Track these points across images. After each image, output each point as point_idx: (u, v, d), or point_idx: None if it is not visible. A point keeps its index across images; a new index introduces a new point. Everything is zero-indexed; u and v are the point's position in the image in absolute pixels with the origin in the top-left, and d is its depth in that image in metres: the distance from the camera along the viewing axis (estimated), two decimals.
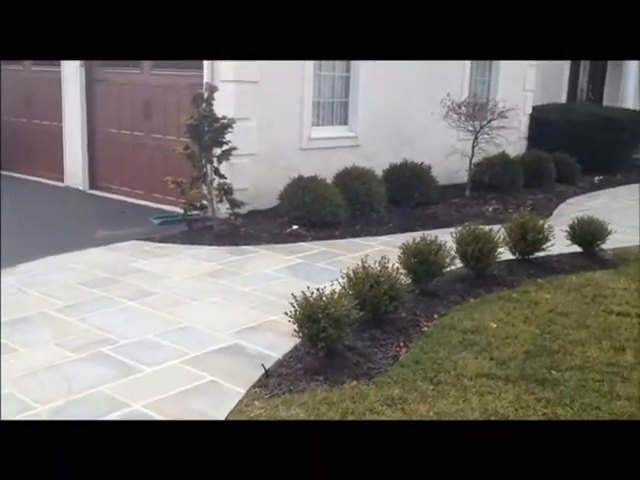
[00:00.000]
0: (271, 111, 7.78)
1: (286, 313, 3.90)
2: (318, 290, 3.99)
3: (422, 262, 5.15)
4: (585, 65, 15.73)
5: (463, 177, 9.64)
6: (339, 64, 8.73)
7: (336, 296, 4.00)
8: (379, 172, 8.56)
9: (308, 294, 3.95)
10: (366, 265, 4.57)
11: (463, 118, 9.18)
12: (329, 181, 7.87)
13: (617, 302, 5.12)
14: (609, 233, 6.32)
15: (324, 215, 7.23)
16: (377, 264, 4.61)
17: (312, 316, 3.84)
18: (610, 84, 15.98)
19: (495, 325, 4.62)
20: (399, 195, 8.52)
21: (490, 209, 8.68)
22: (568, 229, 6.44)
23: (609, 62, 15.98)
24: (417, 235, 5.44)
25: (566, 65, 14.74)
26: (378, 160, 8.81)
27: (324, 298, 3.95)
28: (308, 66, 8.11)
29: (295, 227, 7.15)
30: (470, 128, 9.25)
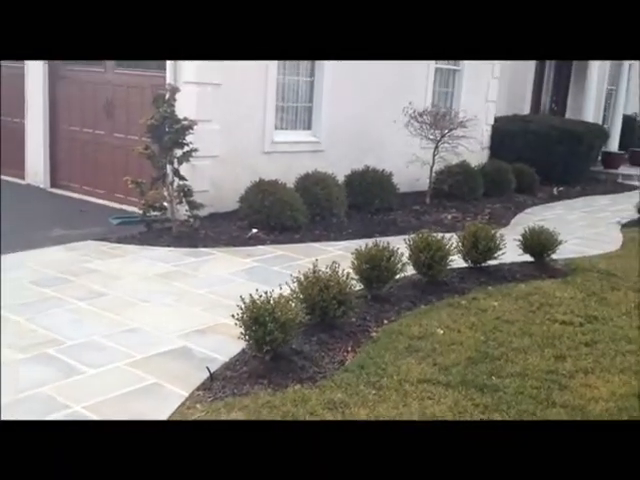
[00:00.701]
0: (234, 114, 7.81)
1: (233, 316, 3.93)
2: (266, 293, 4.03)
3: (374, 268, 5.23)
4: (549, 78, 16.06)
5: (424, 185, 9.78)
6: (303, 69, 8.80)
7: (283, 300, 4.05)
8: (341, 178, 8.65)
9: (256, 297, 4.00)
10: (317, 270, 4.63)
11: (425, 127, 9.31)
12: (291, 185, 7.93)
13: (562, 311, 5.26)
14: (559, 243, 6.49)
15: (284, 219, 7.28)
16: (328, 269, 4.67)
17: (259, 319, 3.88)
18: (573, 97, 16.35)
19: (442, 331, 4.71)
20: (360, 201, 8.61)
21: (449, 217, 8.82)
22: (520, 239, 6.59)
23: (572, 75, 16.35)
24: (376, 241, 5.51)
25: (530, 78, 15.03)
26: (340, 166, 8.90)
27: (271, 301, 4.00)
28: (272, 70, 8.16)
29: (255, 230, 7.18)
30: (431, 137, 9.39)
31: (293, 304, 4.15)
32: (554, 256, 6.66)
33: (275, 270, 6.02)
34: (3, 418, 3.27)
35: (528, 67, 14.88)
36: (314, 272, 4.64)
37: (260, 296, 4.03)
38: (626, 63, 15.98)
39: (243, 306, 3.97)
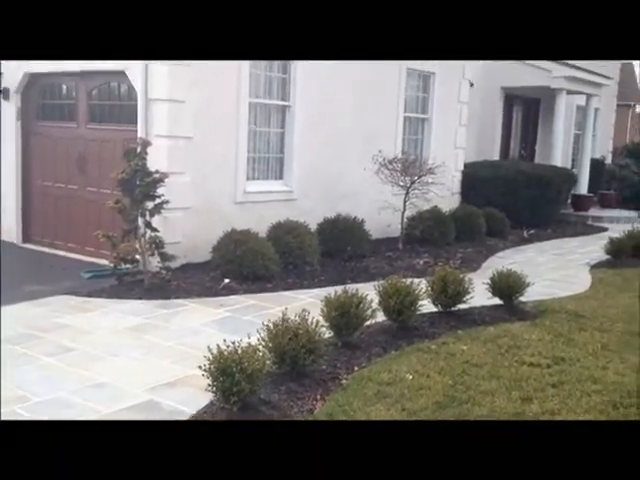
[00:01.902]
0: (206, 165, 7.93)
1: (200, 367, 3.93)
2: (233, 343, 4.05)
3: (343, 315, 5.27)
4: (517, 124, 16.51)
5: (396, 231, 9.91)
6: (274, 120, 8.99)
7: (251, 349, 4.07)
8: (314, 226, 8.75)
9: (223, 347, 4.01)
10: (286, 318, 4.66)
11: (395, 174, 9.50)
12: (263, 234, 8.00)
13: (530, 353, 5.32)
14: (527, 285, 6.59)
15: (256, 268, 7.32)
16: (297, 317, 4.70)
17: (226, 370, 3.89)
18: (541, 142, 16.79)
19: (411, 376, 4.74)
20: (332, 248, 8.70)
21: (421, 262, 8.92)
22: (489, 282, 6.68)
23: (540, 120, 16.83)
24: (348, 288, 5.56)
25: (498, 124, 15.43)
26: (313, 214, 9.02)
27: (239, 351, 4.02)
28: (243, 121, 8.33)
29: (227, 280, 7.21)
30: (402, 184, 9.57)
31: (261, 353, 4.17)
32: (523, 298, 6.76)
33: (247, 320, 6.03)
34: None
35: (496, 114, 15.31)
36: (283, 321, 4.67)
37: (228, 346, 4.05)
38: (592, 108, 16.49)
39: (210, 357, 3.98)
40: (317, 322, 4.80)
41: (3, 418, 3.47)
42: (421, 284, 6.07)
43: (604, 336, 5.88)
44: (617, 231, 10.80)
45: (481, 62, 14.15)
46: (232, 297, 6.81)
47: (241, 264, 7.28)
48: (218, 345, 4.00)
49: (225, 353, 3.98)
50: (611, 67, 19.20)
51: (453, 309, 6.34)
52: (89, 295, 6.57)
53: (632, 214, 15.79)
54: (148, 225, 7.00)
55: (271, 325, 4.63)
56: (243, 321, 6.00)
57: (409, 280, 6.09)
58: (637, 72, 34.69)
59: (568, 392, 4.53)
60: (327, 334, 5.16)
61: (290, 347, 4.49)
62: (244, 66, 8.20)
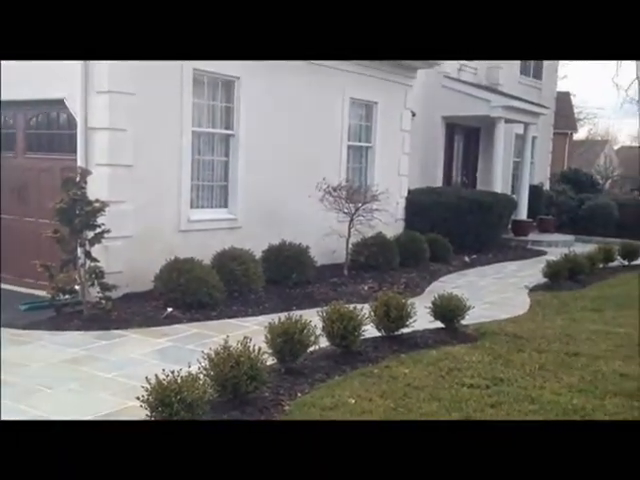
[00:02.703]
0: (148, 194, 7.86)
1: (138, 398, 3.86)
2: (173, 373, 4.00)
3: (287, 341, 5.28)
4: (459, 151, 16.96)
5: (341, 257, 10.00)
6: (217, 149, 9.01)
7: (191, 378, 4.03)
8: (259, 253, 8.75)
9: (163, 377, 3.96)
10: (228, 346, 4.63)
11: (339, 201, 9.61)
12: (208, 262, 7.95)
13: (470, 374, 5.41)
14: (468, 308, 6.74)
15: (200, 296, 7.26)
16: (240, 344, 4.68)
17: (164, 400, 3.84)
18: (482, 169, 17.27)
19: (353, 401, 4.76)
20: (277, 275, 8.71)
21: (366, 288, 9.00)
22: (431, 306, 6.80)
23: (480, 148, 17.33)
24: (293, 314, 5.57)
25: (440, 152, 15.82)
26: (258, 241, 9.02)
27: (179, 381, 3.97)
28: (186, 150, 8.31)
29: (170, 309, 7.12)
30: (346, 210, 9.69)
31: (202, 382, 4.13)
32: (465, 321, 6.90)
33: (189, 349, 5.96)
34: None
35: (438, 142, 15.70)
36: (225, 348, 4.64)
37: (167, 376, 4.00)
38: (530, 136, 17.10)
39: (149, 387, 3.92)
40: (260, 349, 4.78)
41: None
42: (364, 309, 6.13)
43: (541, 356, 6.04)
44: (555, 254, 11.16)
45: (422, 92, 14.57)
46: (175, 326, 6.73)
47: (184, 292, 7.21)
48: (156, 375, 3.94)
49: (164, 383, 3.93)
50: (548, 97, 20.01)
51: (396, 333, 6.42)
52: (26, 327, 6.38)
53: (569, 238, 16.36)
54: (88, 255, 6.88)
55: (212, 353, 4.59)
56: (186, 350, 5.92)
57: (353, 305, 6.16)
58: (573, 101, 36.19)
59: (506, 412, 4.62)
60: (270, 361, 5.15)
61: (232, 375, 4.46)
62: (186, 95, 8.21)
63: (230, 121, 9.02)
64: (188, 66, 8.11)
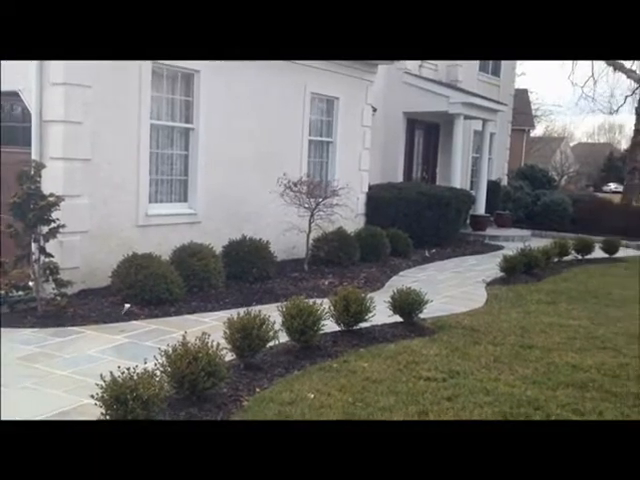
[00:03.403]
0: (105, 188, 7.74)
1: (92, 396, 3.81)
2: (128, 370, 3.96)
3: (246, 337, 5.26)
4: (419, 148, 17.11)
5: (302, 252, 10.01)
6: (177, 143, 8.91)
7: (147, 375, 3.99)
8: (219, 248, 8.70)
9: (118, 374, 3.91)
10: (186, 342, 4.60)
11: (300, 196, 9.61)
12: (167, 258, 7.88)
13: (427, 368, 5.49)
14: (426, 303, 6.82)
15: (158, 292, 7.19)
16: (198, 340, 4.65)
17: (120, 398, 3.79)
18: (442, 165, 17.47)
19: (312, 395, 4.78)
20: (238, 270, 8.67)
21: (326, 282, 9.03)
22: (390, 300, 6.86)
23: (440, 144, 17.52)
24: (253, 309, 5.55)
25: (401, 148, 15.94)
26: (218, 236, 8.97)
27: (135, 378, 3.93)
28: (144, 144, 8.20)
29: (128, 306, 7.02)
30: (307, 205, 9.69)
31: (158, 379, 4.09)
32: (423, 315, 6.99)
33: (147, 345, 5.90)
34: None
35: (399, 138, 15.82)
36: (183, 345, 4.61)
37: (122, 373, 3.96)
38: (488, 132, 17.35)
39: (104, 385, 3.87)
40: (218, 345, 4.76)
41: None
42: (324, 304, 6.15)
43: (497, 349, 6.16)
44: (511, 249, 11.37)
45: (383, 88, 14.65)
46: (133, 322, 6.65)
47: (143, 288, 7.13)
48: (111, 372, 3.89)
49: (119, 380, 3.89)
50: (506, 94, 20.33)
51: (356, 327, 6.46)
52: None
53: (525, 233, 16.68)
54: (42, 250, 6.74)
55: (170, 350, 4.55)
56: (143, 347, 5.86)
57: (313, 300, 6.17)
58: (531, 98, 36.86)
59: (462, 404, 4.70)
60: (229, 356, 5.14)
61: (189, 371, 4.43)
62: (145, 87, 8.10)
63: (190, 115, 8.93)
64: None
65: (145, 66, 8.04)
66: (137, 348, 5.82)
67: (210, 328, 6.14)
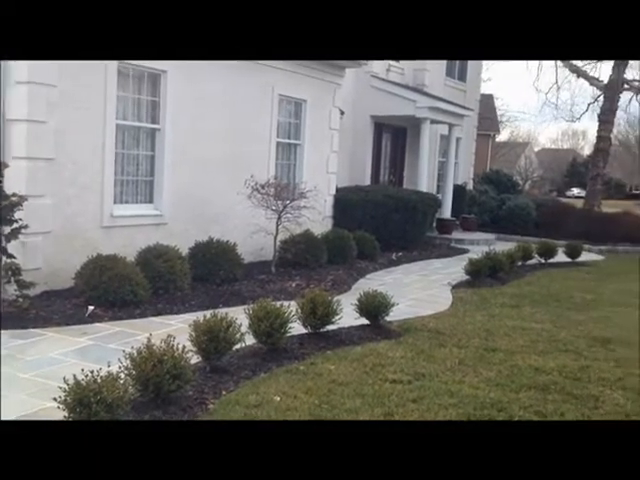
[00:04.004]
0: (69, 188, 7.62)
1: (55, 399, 3.75)
2: (92, 373, 3.91)
3: (212, 339, 5.24)
4: (386, 151, 17.24)
5: (269, 254, 10.00)
6: (143, 143, 8.82)
7: (111, 378, 3.95)
8: (185, 250, 8.63)
9: (82, 377, 3.86)
10: (151, 345, 4.56)
11: (267, 198, 9.59)
12: (132, 259, 7.79)
13: (393, 370, 5.53)
14: (392, 305, 6.87)
15: (123, 294, 7.10)
16: (163, 343, 4.61)
17: (83, 401, 3.74)
18: (409, 168, 17.62)
19: (278, 398, 4.78)
20: (204, 272, 8.62)
21: (293, 285, 9.03)
22: (357, 303, 6.89)
23: (407, 148, 17.67)
24: (220, 312, 5.52)
25: (369, 151, 16.04)
26: (185, 238, 8.91)
27: (98, 380, 3.88)
28: (109, 144, 8.09)
29: (91, 308, 6.92)
30: (274, 208, 9.68)
31: (122, 382, 4.05)
32: (389, 318, 7.04)
33: (111, 348, 5.83)
34: None
35: (367, 141, 15.92)
36: (148, 347, 4.56)
37: (86, 376, 3.90)
38: (454, 137, 17.56)
39: (67, 388, 3.82)
40: (184, 347, 4.73)
41: None
42: (291, 306, 6.15)
43: (461, 352, 6.24)
44: (476, 253, 11.53)
45: (351, 92, 14.72)
46: (97, 325, 6.56)
47: (107, 290, 7.03)
48: (74, 375, 3.84)
49: (83, 383, 3.84)
50: (472, 99, 20.62)
51: (322, 330, 6.48)
52: None
53: (490, 236, 16.92)
54: (4, 251, 6.60)
55: (134, 352, 4.51)
56: (107, 349, 5.79)
57: (280, 303, 6.17)
58: (496, 104, 37.44)
59: (427, 406, 4.75)
60: (195, 359, 5.11)
61: (154, 374, 4.39)
62: (111, 87, 8.00)
63: (156, 115, 8.85)
64: None
65: (111, 66, 7.94)
66: (101, 351, 5.74)
67: (176, 330, 6.10)
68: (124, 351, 4.61)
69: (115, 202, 8.34)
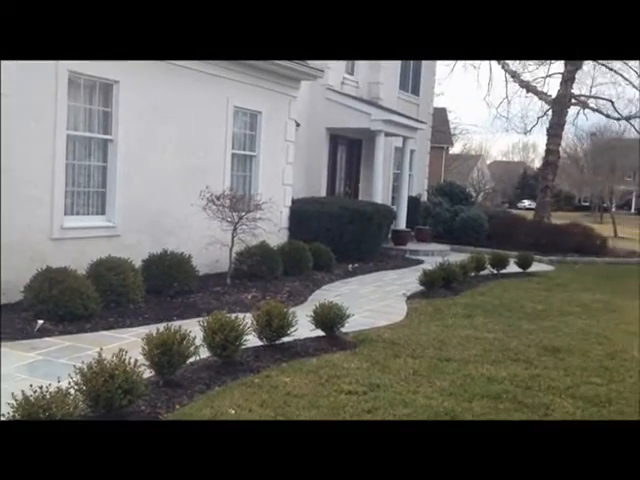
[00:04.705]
0: (17, 199, 7.44)
1: (3, 415, 3.64)
2: (41, 388, 3.81)
3: (165, 352, 5.16)
4: (342, 163, 17.35)
5: (225, 266, 9.93)
6: (95, 154, 8.68)
7: (60, 394, 3.85)
8: (138, 262, 8.51)
9: (29, 393, 3.76)
10: (101, 359, 4.47)
11: (223, 209, 9.54)
12: (83, 272, 7.63)
13: (348, 381, 5.55)
14: (347, 317, 6.90)
15: (74, 308, 6.95)
16: (115, 357, 4.53)
17: (32, 417, 3.64)
18: (364, 180, 17.77)
19: (233, 411, 4.74)
20: (158, 285, 8.51)
21: (249, 297, 8.98)
22: (312, 314, 6.90)
23: (362, 160, 17.82)
24: (174, 324, 5.45)
25: (324, 162, 16.12)
26: (139, 249, 8.79)
27: (47, 397, 3.79)
28: (59, 154, 7.94)
29: (41, 322, 6.75)
30: (229, 219, 9.63)
31: (72, 397, 3.96)
32: (345, 329, 7.06)
33: (61, 363, 5.69)
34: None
35: (322, 153, 15.99)
36: (98, 362, 4.47)
37: (35, 392, 3.80)
38: (408, 149, 17.80)
39: (15, 404, 3.71)
40: (136, 361, 4.65)
41: None
42: (247, 318, 6.12)
43: (416, 362, 6.30)
44: (431, 263, 11.67)
45: (306, 104, 14.79)
46: (46, 339, 6.39)
47: (57, 304, 6.87)
48: (23, 391, 3.73)
49: (31, 399, 3.74)
50: (425, 112, 20.95)
51: (278, 342, 6.46)
52: None
53: (444, 247, 17.17)
54: None
55: (85, 367, 4.41)
56: (57, 364, 5.65)
57: (235, 315, 6.13)
58: (449, 117, 38.15)
59: (382, 417, 4.78)
60: (148, 373, 5.03)
61: (105, 389, 4.31)
62: (61, 97, 7.85)
63: (108, 126, 8.72)
64: (63, 67, 7.77)
65: (61, 75, 7.80)
66: (51, 366, 5.60)
67: (128, 344, 5.99)
68: (74, 366, 4.51)
69: (66, 214, 8.17)
